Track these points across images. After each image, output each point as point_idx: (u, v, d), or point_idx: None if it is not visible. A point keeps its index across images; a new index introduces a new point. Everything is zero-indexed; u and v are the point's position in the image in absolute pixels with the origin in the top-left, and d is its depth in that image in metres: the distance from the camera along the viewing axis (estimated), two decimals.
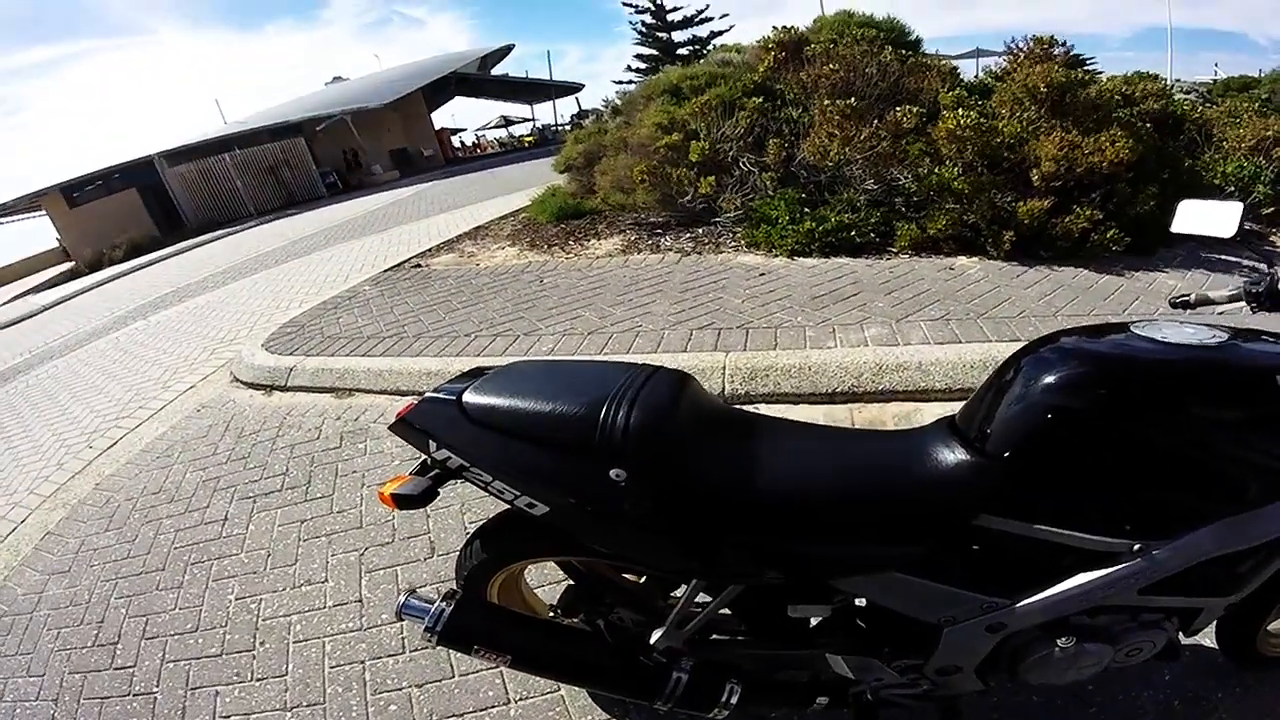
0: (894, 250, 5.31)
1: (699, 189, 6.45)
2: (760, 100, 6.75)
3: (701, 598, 1.45)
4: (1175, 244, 4.83)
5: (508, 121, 45.45)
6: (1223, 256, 4.76)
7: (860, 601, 1.43)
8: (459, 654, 2.04)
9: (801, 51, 7.16)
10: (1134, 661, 1.34)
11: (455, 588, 1.64)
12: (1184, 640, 1.43)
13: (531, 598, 2.00)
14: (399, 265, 7.84)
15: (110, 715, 2.32)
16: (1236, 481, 1.16)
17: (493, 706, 2.01)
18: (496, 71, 36.51)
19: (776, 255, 5.56)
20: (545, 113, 42.12)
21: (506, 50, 36.70)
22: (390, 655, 2.27)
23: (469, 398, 1.34)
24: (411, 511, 2.86)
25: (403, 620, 1.60)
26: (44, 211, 27.45)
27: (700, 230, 6.59)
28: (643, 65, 31.26)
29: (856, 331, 3.85)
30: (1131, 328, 1.23)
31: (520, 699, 2.01)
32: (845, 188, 5.87)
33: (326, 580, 2.72)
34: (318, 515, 3.17)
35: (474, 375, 1.44)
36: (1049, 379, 1.16)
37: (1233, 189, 5.24)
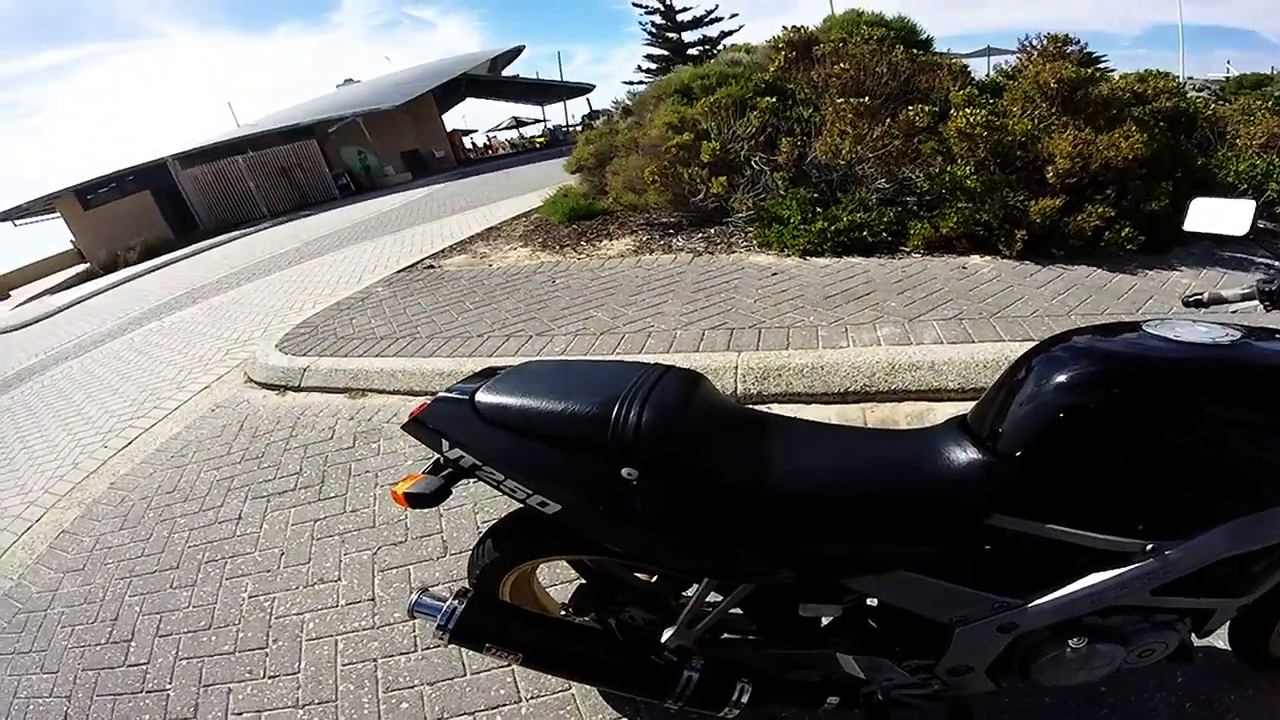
0: (906, 249, 5.29)
1: (710, 189, 6.44)
2: (772, 100, 6.73)
3: (713, 597, 1.45)
4: (1190, 243, 4.79)
5: (519, 123, 45.53)
6: (1238, 255, 4.72)
7: (872, 601, 1.43)
8: (471, 652, 2.06)
9: (811, 51, 7.14)
10: (1147, 663, 1.33)
11: (467, 586, 1.65)
12: (1197, 641, 1.42)
13: (543, 596, 2.01)
14: (412, 266, 7.87)
15: (123, 712, 2.35)
16: (1250, 481, 1.14)
17: (504, 704, 2.02)
18: (507, 73, 36.59)
19: (789, 255, 5.55)
20: (556, 113, 42.21)
21: (517, 52, 36.80)
22: (402, 653, 2.29)
23: (481, 397, 1.35)
24: (424, 511, 2.90)
25: (415, 619, 1.61)
26: (58, 214, 27.75)
27: (712, 230, 6.58)
28: (653, 66, 31.37)
29: (869, 331, 3.84)
30: (1144, 326, 1.22)
31: (531, 697, 2.02)
32: (857, 187, 5.85)
33: (339, 579, 2.74)
34: (331, 514, 3.20)
35: (486, 375, 1.44)
36: (1061, 378, 1.15)
37: (1246, 187, 5.19)
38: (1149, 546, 1.15)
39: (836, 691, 1.54)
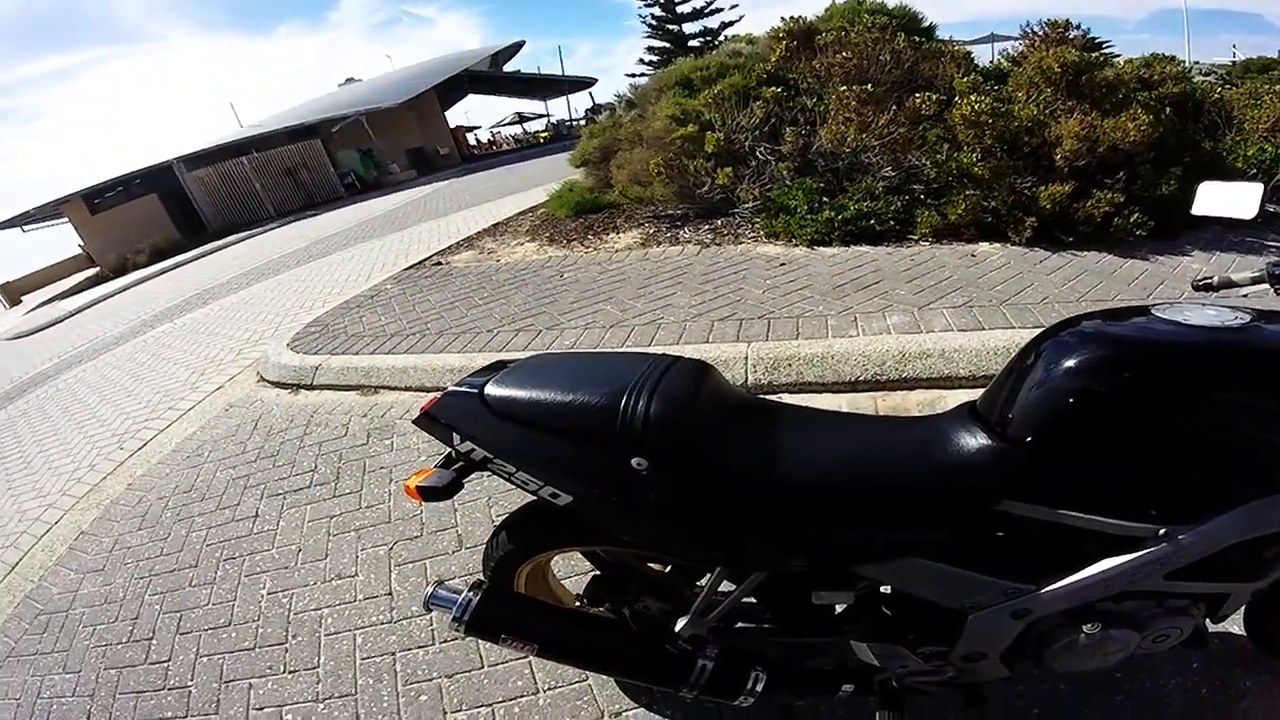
0: (914, 237, 5.27)
1: (716, 180, 6.43)
2: (776, 89, 6.71)
3: (726, 586, 1.45)
4: (1200, 227, 4.76)
5: (522, 118, 45.57)
6: (1249, 239, 4.69)
7: (885, 588, 1.43)
8: (488, 645, 2.08)
9: (813, 40, 7.11)
10: (1161, 648, 1.33)
11: (482, 579, 1.66)
12: (1211, 627, 1.42)
13: (558, 588, 2.02)
14: (420, 263, 7.90)
15: (146, 709, 2.38)
16: (1262, 464, 1.13)
17: (522, 696, 2.04)
18: (508, 68, 36.57)
19: (796, 245, 5.54)
20: (559, 108, 42.24)
21: (517, 47, 36.77)
22: (420, 647, 2.31)
23: (491, 390, 1.36)
24: (439, 505, 2.93)
25: (431, 611, 1.62)
26: (65, 218, 27.90)
27: (719, 221, 6.57)
28: (654, 58, 31.31)
29: (879, 320, 3.84)
30: (1153, 310, 1.21)
31: (549, 688, 2.04)
32: (863, 175, 5.83)
33: (356, 574, 2.76)
34: (347, 511, 3.22)
35: (495, 368, 1.45)
36: (1070, 363, 1.15)
37: (1255, 172, 5.15)
38: (1161, 531, 1.15)
39: (851, 679, 1.54)
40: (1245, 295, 1.54)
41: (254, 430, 4.42)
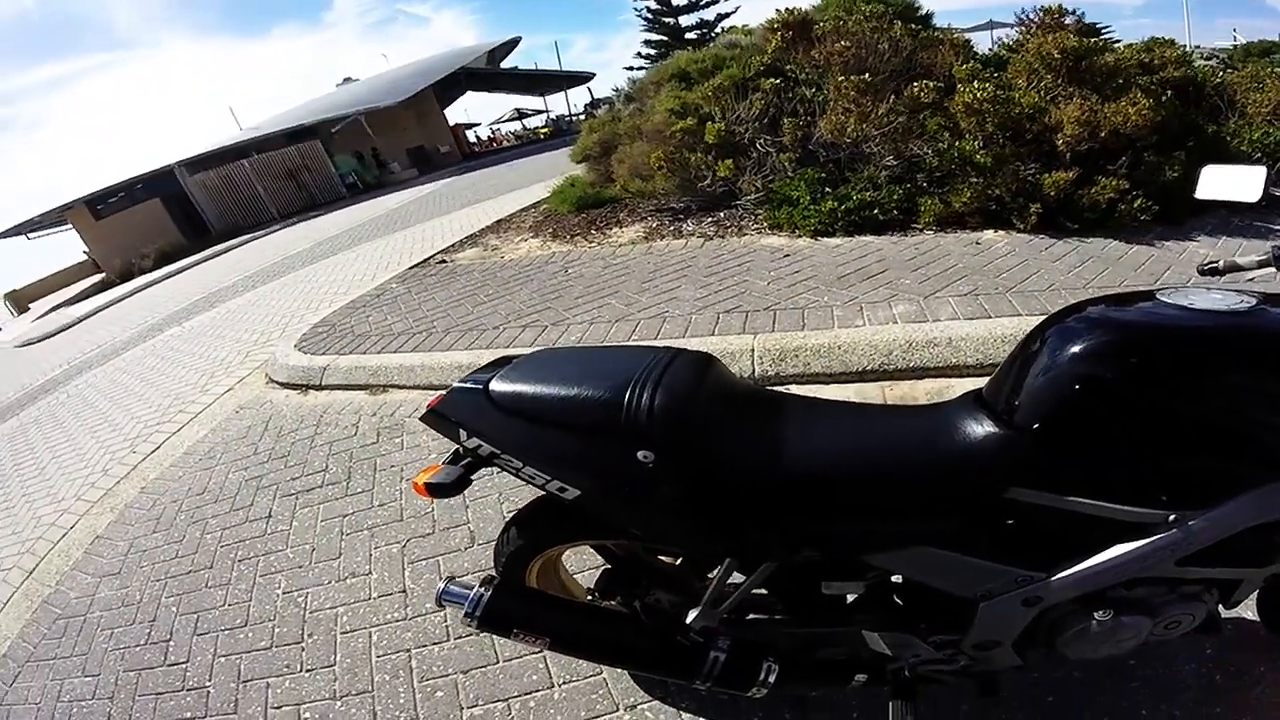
0: (918, 226, 5.26)
1: (717, 172, 6.43)
2: (775, 80, 6.69)
3: (736, 577, 1.46)
4: (1205, 212, 4.73)
5: (521, 114, 45.47)
6: (1256, 223, 4.67)
7: (896, 578, 1.43)
8: (503, 640, 2.10)
9: (810, 30, 7.07)
10: (1173, 635, 1.32)
11: (494, 574, 1.67)
12: (1224, 613, 1.41)
13: (570, 582, 2.03)
14: (424, 262, 7.91)
15: (165, 710, 2.40)
16: (1272, 448, 1.12)
17: (537, 690, 2.05)
18: (505, 65, 36.48)
19: (800, 236, 5.53)
20: (558, 103, 42.10)
21: (514, 43, 36.65)
22: (435, 643, 2.33)
23: (496, 386, 1.36)
24: (451, 502, 2.94)
25: (443, 607, 1.64)
26: (70, 225, 27.98)
27: (721, 214, 6.56)
28: (652, 51, 31.27)
29: (884, 309, 3.83)
30: (1158, 295, 1.20)
31: (564, 683, 2.05)
32: (865, 165, 5.81)
33: (370, 572, 2.78)
34: (359, 509, 3.24)
35: (500, 364, 1.46)
36: (1076, 349, 1.14)
37: (1260, 155, 5.11)
38: (1172, 517, 1.14)
39: (864, 669, 1.54)
40: (1252, 279, 1.53)
41: (265, 431, 4.45)
